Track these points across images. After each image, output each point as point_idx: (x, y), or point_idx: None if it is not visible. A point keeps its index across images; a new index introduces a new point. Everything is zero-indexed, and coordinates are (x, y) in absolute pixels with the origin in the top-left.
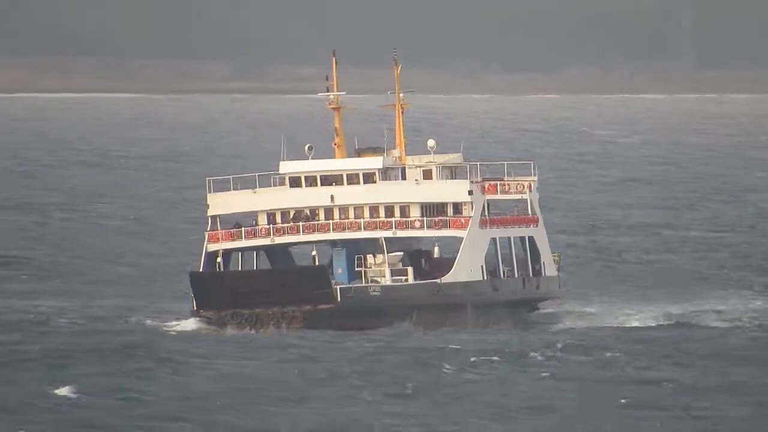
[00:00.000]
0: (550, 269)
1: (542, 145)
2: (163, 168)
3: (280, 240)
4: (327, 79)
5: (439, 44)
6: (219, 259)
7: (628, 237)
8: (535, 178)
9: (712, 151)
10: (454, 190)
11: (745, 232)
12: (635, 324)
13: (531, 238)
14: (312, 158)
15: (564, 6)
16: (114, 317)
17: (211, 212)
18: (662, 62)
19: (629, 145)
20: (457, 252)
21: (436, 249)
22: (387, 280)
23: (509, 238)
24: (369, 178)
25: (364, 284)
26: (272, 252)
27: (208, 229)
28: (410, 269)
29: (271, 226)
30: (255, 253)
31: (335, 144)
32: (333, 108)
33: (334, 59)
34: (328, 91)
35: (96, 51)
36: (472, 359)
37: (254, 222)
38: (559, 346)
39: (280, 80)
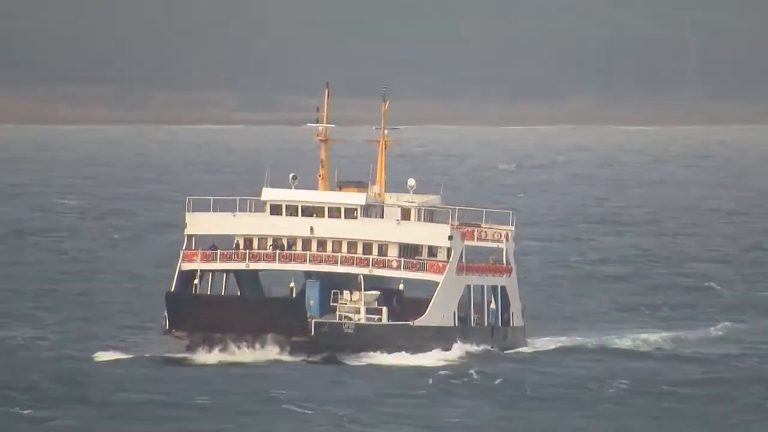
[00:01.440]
0: (517, 319)
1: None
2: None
3: (255, 266)
4: (317, 110)
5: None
6: (196, 281)
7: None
8: (513, 228)
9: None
10: (435, 234)
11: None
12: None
13: (503, 288)
14: (295, 188)
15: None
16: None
17: (188, 231)
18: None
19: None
20: (432, 296)
21: (401, 286)
22: (361, 318)
23: (482, 286)
24: (350, 213)
25: (338, 321)
26: (241, 276)
27: (184, 248)
28: (385, 309)
29: (247, 251)
30: (225, 275)
31: (320, 176)
32: (321, 140)
33: (326, 91)
34: (317, 122)
35: (106, 80)
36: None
37: (235, 245)
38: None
39: (288, 110)
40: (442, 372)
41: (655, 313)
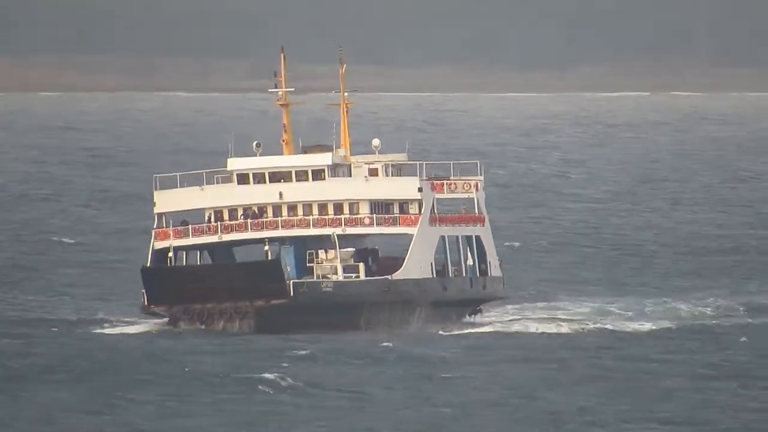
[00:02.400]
0: (495, 269)
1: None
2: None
3: (228, 237)
4: (275, 75)
5: (446, 38)
6: (170, 254)
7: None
8: (482, 178)
9: None
10: (404, 187)
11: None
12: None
13: (478, 238)
14: (260, 155)
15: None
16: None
17: (157, 209)
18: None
19: None
20: (408, 249)
21: (376, 247)
22: (339, 276)
23: (457, 236)
24: (318, 174)
25: (316, 279)
26: (215, 251)
27: (155, 226)
28: (361, 265)
29: (218, 223)
30: (198, 252)
31: (283, 141)
32: (281, 104)
33: (282, 56)
34: (276, 88)
35: (116, 49)
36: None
37: (208, 219)
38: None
39: (293, 79)
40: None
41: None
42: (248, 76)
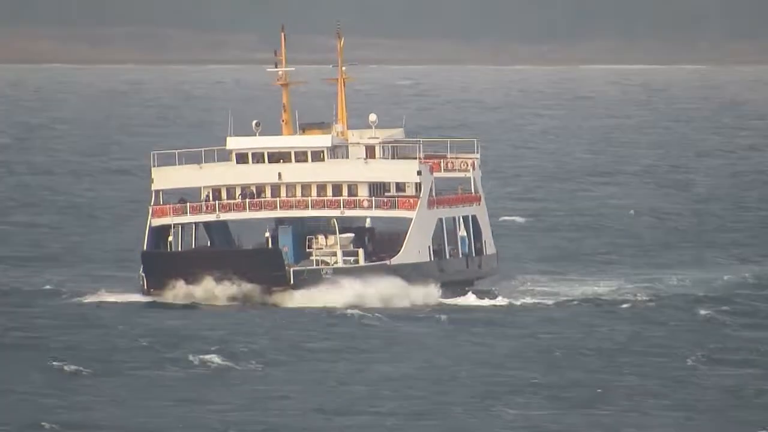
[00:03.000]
0: (489, 247)
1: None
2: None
3: (225, 217)
4: (275, 53)
5: (457, 14)
6: (171, 238)
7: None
8: (478, 156)
9: None
10: (403, 170)
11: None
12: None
13: (474, 217)
14: (259, 134)
15: None
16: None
17: (155, 186)
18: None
19: None
20: (406, 232)
21: (368, 221)
22: (338, 262)
23: (454, 217)
24: (317, 156)
25: (316, 266)
26: (211, 227)
27: (152, 203)
28: (361, 251)
29: (216, 202)
30: (194, 227)
31: (283, 120)
32: (281, 84)
33: (282, 34)
34: (276, 67)
35: (127, 21)
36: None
37: (206, 197)
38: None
39: (299, 50)
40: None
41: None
42: (259, 48)
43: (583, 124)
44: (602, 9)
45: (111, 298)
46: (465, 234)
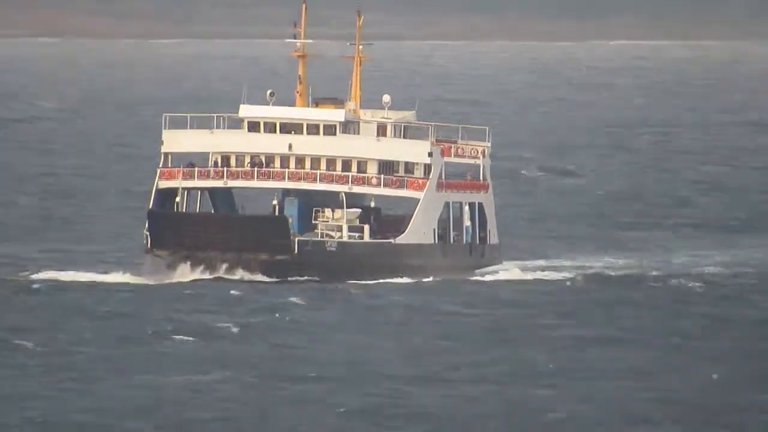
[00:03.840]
0: (494, 237)
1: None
2: None
3: (233, 184)
4: (294, 25)
5: None
6: (178, 199)
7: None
8: (489, 144)
9: None
10: (415, 151)
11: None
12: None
13: (480, 205)
14: (273, 105)
15: None
16: None
17: (164, 149)
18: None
19: None
20: (412, 213)
21: (373, 202)
22: (343, 236)
23: (460, 203)
24: (329, 130)
25: (321, 238)
26: (215, 193)
27: (161, 165)
28: (366, 227)
29: (225, 168)
30: (199, 192)
31: (297, 92)
32: (298, 56)
33: (304, 6)
34: (294, 38)
35: None
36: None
37: (213, 163)
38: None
39: (338, 27)
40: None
41: None
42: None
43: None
44: None
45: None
46: (470, 222)
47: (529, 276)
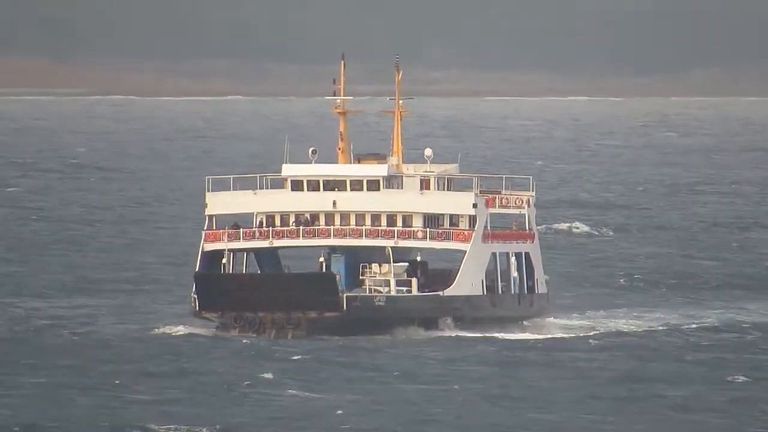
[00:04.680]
0: (542, 286)
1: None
2: None
3: (279, 243)
4: (334, 82)
5: (557, 44)
6: (224, 260)
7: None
8: (533, 193)
9: None
10: (460, 203)
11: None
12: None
13: (527, 254)
14: (315, 162)
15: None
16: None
17: (209, 211)
18: None
19: None
20: (460, 265)
21: (419, 257)
22: (391, 290)
23: (507, 253)
24: (373, 185)
25: (369, 294)
26: (261, 254)
27: (205, 228)
28: (414, 280)
29: (270, 228)
30: (245, 254)
31: (339, 148)
32: (339, 113)
33: (342, 63)
34: (334, 95)
35: (228, 53)
36: None
37: (258, 224)
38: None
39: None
40: None
41: None
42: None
43: None
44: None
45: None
46: (517, 272)
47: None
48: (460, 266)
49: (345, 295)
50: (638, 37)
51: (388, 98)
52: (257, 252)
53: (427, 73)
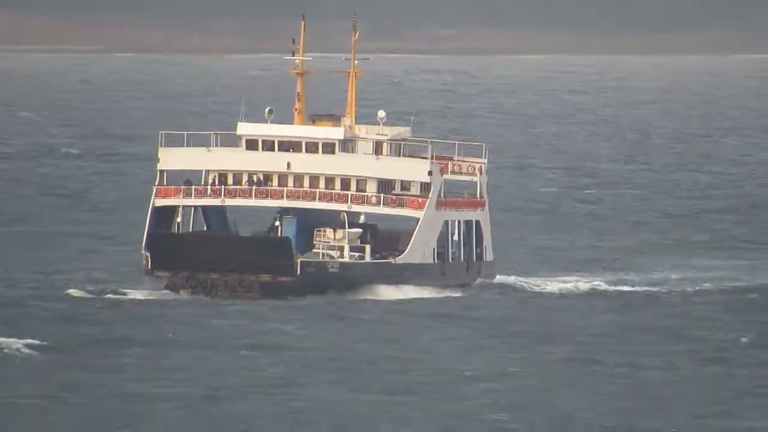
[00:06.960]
0: (489, 254)
1: None
2: None
3: (231, 202)
4: (293, 42)
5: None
6: (178, 219)
7: None
8: (486, 161)
9: None
10: (414, 169)
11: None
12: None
13: (477, 222)
14: (271, 122)
15: None
16: None
17: (160, 166)
18: None
19: None
20: (412, 232)
21: (362, 218)
22: (345, 256)
23: (458, 221)
24: (328, 148)
25: (323, 260)
26: (208, 212)
27: (156, 183)
28: (368, 247)
29: (222, 186)
30: (193, 210)
31: (296, 109)
32: (297, 73)
33: (303, 23)
34: (293, 55)
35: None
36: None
37: (211, 181)
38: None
39: (418, 40)
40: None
41: None
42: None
43: None
44: None
45: None
46: (467, 239)
47: None
48: (413, 233)
49: (299, 260)
50: None
51: (343, 57)
52: (205, 209)
53: (438, 30)
